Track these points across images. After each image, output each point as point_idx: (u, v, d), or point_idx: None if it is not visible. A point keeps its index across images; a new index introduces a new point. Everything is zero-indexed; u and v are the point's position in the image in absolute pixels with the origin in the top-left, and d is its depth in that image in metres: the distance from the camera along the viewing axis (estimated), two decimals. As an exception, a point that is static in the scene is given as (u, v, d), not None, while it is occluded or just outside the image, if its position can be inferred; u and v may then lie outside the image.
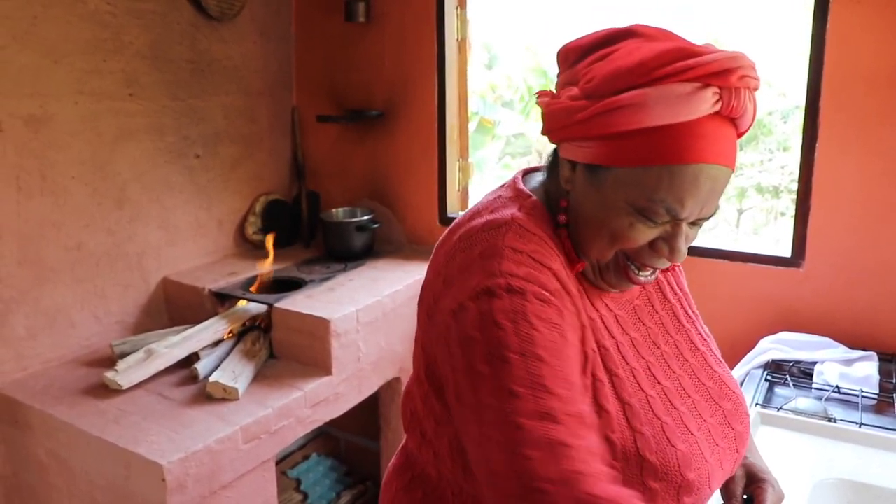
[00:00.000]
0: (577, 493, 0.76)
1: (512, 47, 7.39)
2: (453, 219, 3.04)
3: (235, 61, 2.97)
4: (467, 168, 3.07)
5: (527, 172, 1.11)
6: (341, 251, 3.02)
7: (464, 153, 3.07)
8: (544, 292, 0.88)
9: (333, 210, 3.14)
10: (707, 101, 0.86)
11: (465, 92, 3.02)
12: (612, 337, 0.99)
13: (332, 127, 3.19)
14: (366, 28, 3.03)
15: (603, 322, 0.99)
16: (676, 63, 0.86)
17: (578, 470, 0.77)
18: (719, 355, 1.11)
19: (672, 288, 1.13)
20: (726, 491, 1.10)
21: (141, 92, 2.63)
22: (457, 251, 0.96)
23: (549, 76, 6.87)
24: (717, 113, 0.88)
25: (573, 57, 0.96)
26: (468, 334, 0.87)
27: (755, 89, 0.90)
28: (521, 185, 1.05)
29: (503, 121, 7.39)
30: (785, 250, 2.37)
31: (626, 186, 0.90)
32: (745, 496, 1.10)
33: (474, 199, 3.11)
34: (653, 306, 1.08)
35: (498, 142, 7.46)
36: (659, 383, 0.99)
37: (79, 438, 2.07)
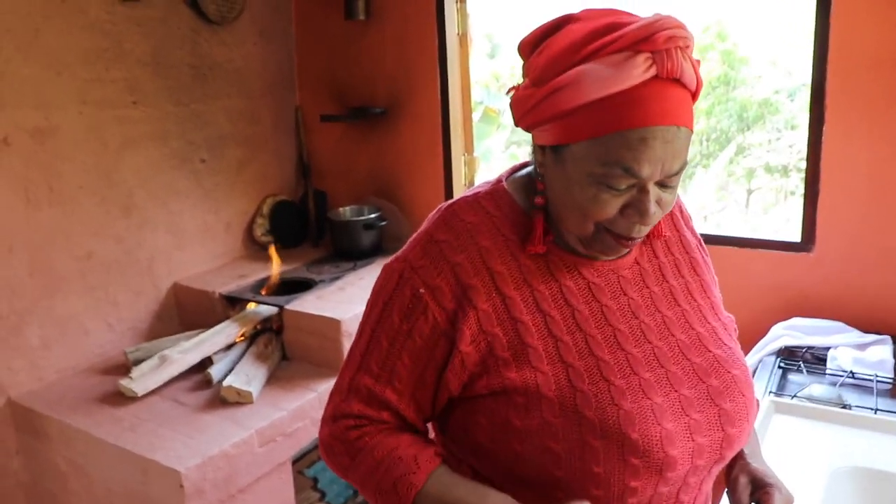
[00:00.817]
0: (330, 427, 1.09)
1: (515, 36, 7.35)
2: (460, 213, 3.02)
3: (237, 64, 2.97)
4: (473, 162, 3.06)
5: (523, 165, 1.17)
6: (350, 250, 3.03)
7: (469, 147, 3.06)
8: (421, 290, 1.03)
9: (340, 209, 3.14)
10: (639, 67, 0.90)
11: (468, 86, 3.01)
12: (569, 306, 1.03)
13: (336, 125, 3.18)
14: (366, 25, 3.02)
15: (561, 291, 1.04)
16: (604, 38, 0.92)
17: (341, 420, 1.08)
18: (727, 339, 1.12)
19: (677, 270, 1.15)
20: (733, 497, 1.10)
21: (144, 99, 2.64)
22: None
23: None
24: (655, 77, 0.91)
25: (526, 51, 1.02)
26: (372, 290, 1.12)
27: (686, 48, 0.93)
28: (503, 175, 1.15)
29: (507, 110, 7.35)
30: (795, 235, 2.36)
31: (583, 160, 0.95)
32: (752, 503, 1.09)
33: (481, 192, 3.08)
34: (644, 280, 1.10)
35: (503, 131, 7.43)
36: (623, 350, 1.02)
37: (96, 447, 2.09)
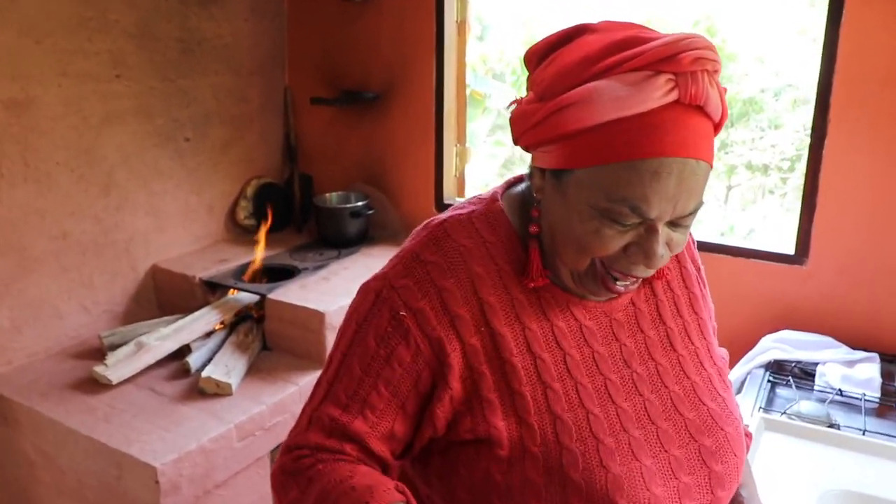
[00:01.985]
0: (281, 459, 0.97)
1: (505, 19, 7.27)
2: (449, 205, 2.97)
3: (226, 40, 2.87)
4: (464, 153, 3.00)
5: (520, 179, 1.08)
6: (335, 237, 2.96)
7: (461, 138, 3.00)
8: (402, 312, 0.93)
9: (327, 195, 3.07)
10: (660, 89, 0.81)
11: (463, 75, 2.95)
12: (560, 349, 0.95)
13: (326, 109, 3.10)
14: (362, 7, 2.93)
15: (553, 332, 0.96)
16: (622, 52, 0.83)
17: (294, 451, 0.96)
18: (721, 389, 1.05)
19: (676, 310, 1.07)
20: None
21: (128, 73, 2.53)
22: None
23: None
24: (676, 102, 0.82)
25: (533, 61, 0.93)
26: (346, 313, 1.01)
27: (715, 72, 0.84)
28: (498, 191, 1.05)
29: (494, 94, 7.28)
30: (789, 247, 2.34)
31: (586, 189, 0.86)
32: None
33: (470, 184, 3.05)
34: (638, 324, 1.02)
35: (489, 115, 7.35)
36: (613, 403, 0.95)
37: (67, 437, 2.02)
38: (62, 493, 2.11)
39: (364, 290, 0.99)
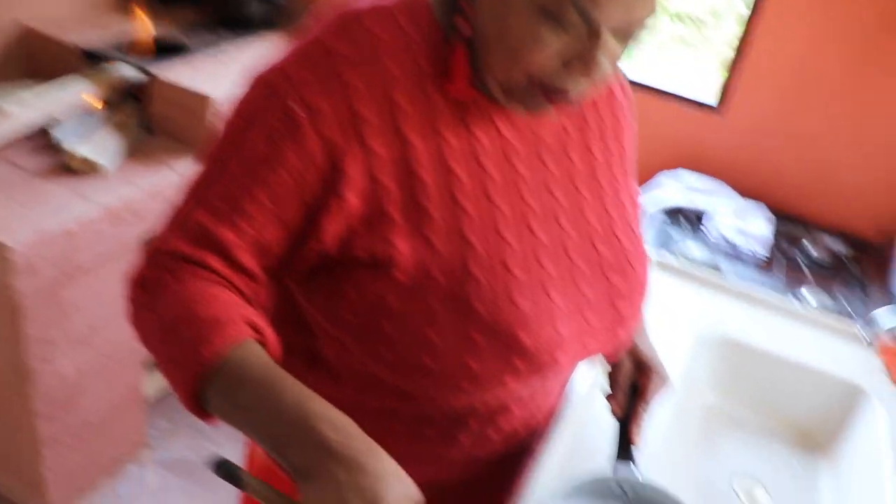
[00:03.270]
0: (138, 265, 0.82)
1: None
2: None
3: None
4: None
5: None
6: (234, 18, 2.67)
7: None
8: (296, 108, 0.79)
9: (229, -33, 2.74)
10: None
11: None
12: (480, 167, 0.86)
13: None
14: None
15: (473, 148, 0.86)
16: None
17: (153, 259, 0.81)
18: (635, 226, 1.00)
19: (603, 140, 0.98)
20: (612, 381, 1.06)
21: None
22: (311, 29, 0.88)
23: None
24: None
25: None
26: (232, 107, 0.85)
27: None
28: None
29: None
30: (710, 98, 2.31)
31: None
32: (632, 385, 1.06)
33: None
34: (566, 151, 0.93)
35: None
36: (532, 234, 0.88)
37: (-90, 202, 1.81)
38: None
39: (254, 81, 0.84)
